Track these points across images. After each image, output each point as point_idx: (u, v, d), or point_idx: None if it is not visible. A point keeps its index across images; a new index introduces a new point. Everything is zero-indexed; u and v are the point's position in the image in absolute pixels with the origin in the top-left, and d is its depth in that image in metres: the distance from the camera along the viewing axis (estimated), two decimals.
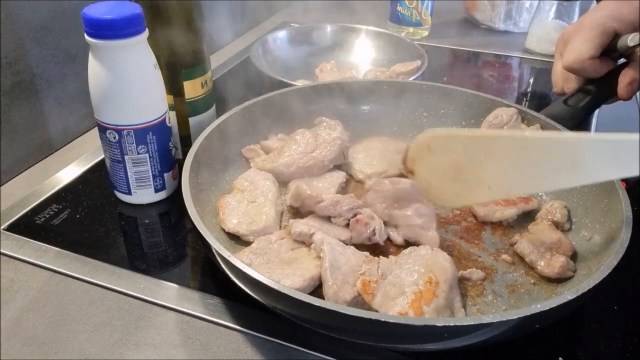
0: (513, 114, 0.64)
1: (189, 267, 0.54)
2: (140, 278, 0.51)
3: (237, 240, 0.54)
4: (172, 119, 0.63)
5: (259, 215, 0.54)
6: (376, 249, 0.53)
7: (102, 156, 0.62)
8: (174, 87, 0.63)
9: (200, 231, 0.44)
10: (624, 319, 0.49)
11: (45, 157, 0.71)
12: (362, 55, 0.98)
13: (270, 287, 0.39)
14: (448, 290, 0.45)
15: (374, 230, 0.52)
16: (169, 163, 0.60)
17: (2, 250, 0.54)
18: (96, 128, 0.57)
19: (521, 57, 1.05)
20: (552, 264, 0.50)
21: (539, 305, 0.38)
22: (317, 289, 0.47)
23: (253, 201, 0.56)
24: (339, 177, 0.62)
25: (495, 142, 0.44)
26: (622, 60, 0.62)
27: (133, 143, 0.56)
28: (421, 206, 0.55)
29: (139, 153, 0.56)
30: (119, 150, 0.56)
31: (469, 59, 1.06)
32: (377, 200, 0.55)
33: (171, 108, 0.64)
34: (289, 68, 0.91)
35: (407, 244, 0.54)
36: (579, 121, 0.62)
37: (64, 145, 0.74)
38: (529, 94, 0.95)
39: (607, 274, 0.41)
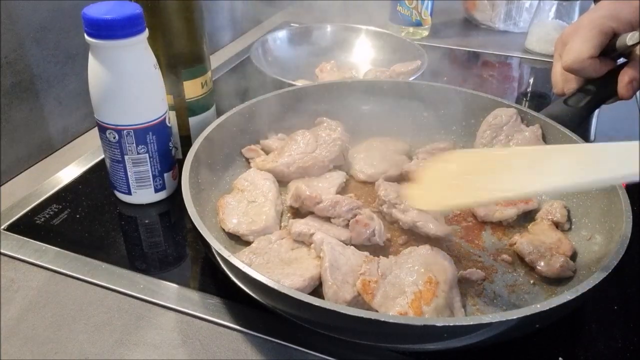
0: (512, 114, 0.64)
1: (189, 267, 0.54)
2: (140, 278, 0.51)
3: (237, 240, 0.54)
4: (172, 119, 0.63)
5: (259, 215, 0.54)
6: (376, 249, 0.53)
7: (102, 156, 0.62)
8: (174, 87, 0.63)
9: (200, 231, 0.44)
10: (624, 319, 0.49)
11: (45, 157, 0.71)
12: (362, 55, 0.98)
13: (270, 287, 0.39)
14: (448, 290, 0.45)
15: (373, 230, 0.52)
16: (169, 163, 0.60)
17: (2, 250, 0.54)
18: (96, 128, 0.57)
19: (521, 57, 1.05)
20: (552, 264, 0.50)
21: (538, 305, 0.38)
22: (317, 289, 0.47)
23: (253, 201, 0.56)
24: (339, 177, 0.62)
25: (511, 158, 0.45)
26: (622, 60, 0.62)
27: (133, 143, 0.56)
28: None
29: (139, 153, 0.56)
30: (119, 150, 0.56)
31: (469, 59, 1.06)
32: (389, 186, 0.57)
33: (171, 108, 0.64)
34: (289, 68, 0.91)
35: (411, 233, 0.54)
36: (579, 121, 0.62)
37: (64, 145, 0.74)
38: (528, 94, 0.95)
39: (607, 274, 0.41)
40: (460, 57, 1.06)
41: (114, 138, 0.55)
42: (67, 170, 0.66)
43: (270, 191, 0.57)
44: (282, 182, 0.61)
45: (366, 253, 0.49)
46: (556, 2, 1.00)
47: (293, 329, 0.45)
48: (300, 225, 0.52)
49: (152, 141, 0.57)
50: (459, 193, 0.46)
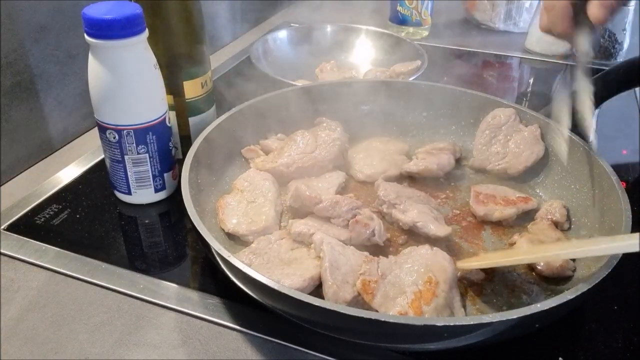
0: (511, 114, 0.64)
1: (189, 267, 0.54)
2: (140, 278, 0.51)
3: (237, 240, 0.54)
4: (172, 119, 0.63)
5: (259, 216, 0.54)
6: (376, 249, 0.52)
7: (102, 156, 0.62)
8: (174, 87, 0.63)
9: (200, 231, 0.44)
10: (624, 319, 0.49)
11: (45, 157, 0.71)
12: (362, 55, 0.98)
13: (270, 287, 0.39)
14: (448, 290, 0.45)
15: (373, 230, 0.52)
16: (169, 163, 0.60)
17: (2, 250, 0.54)
18: (96, 128, 0.57)
19: (521, 57, 1.05)
20: (552, 264, 0.50)
21: (539, 305, 0.38)
22: (317, 289, 0.47)
23: (253, 201, 0.56)
24: (339, 177, 0.62)
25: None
26: None
27: (133, 143, 0.56)
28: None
29: (139, 153, 0.56)
30: (119, 150, 0.56)
31: (469, 59, 1.06)
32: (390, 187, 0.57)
33: (171, 108, 0.64)
34: (289, 68, 0.91)
35: (411, 233, 0.54)
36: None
37: (64, 145, 0.74)
38: (528, 94, 0.95)
39: (607, 273, 0.41)
40: (460, 57, 1.06)
41: (114, 138, 0.55)
42: (67, 170, 0.66)
43: (270, 191, 0.57)
44: (282, 182, 0.61)
45: (366, 253, 0.49)
46: None
47: (293, 329, 0.45)
48: (300, 226, 0.52)
49: (152, 141, 0.57)
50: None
